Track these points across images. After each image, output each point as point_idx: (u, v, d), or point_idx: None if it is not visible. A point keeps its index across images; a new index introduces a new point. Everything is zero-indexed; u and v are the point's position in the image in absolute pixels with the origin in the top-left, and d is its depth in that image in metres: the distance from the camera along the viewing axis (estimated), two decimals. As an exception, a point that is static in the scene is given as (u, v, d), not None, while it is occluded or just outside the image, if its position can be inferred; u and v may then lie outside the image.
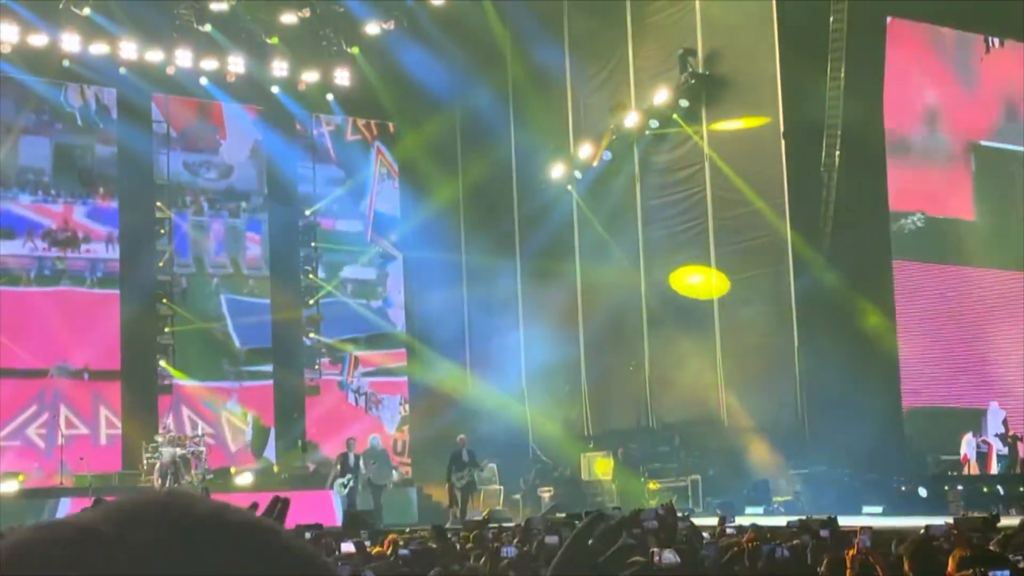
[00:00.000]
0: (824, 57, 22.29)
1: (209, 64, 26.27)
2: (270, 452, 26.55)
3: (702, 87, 24.24)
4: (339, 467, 22.27)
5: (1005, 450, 24.27)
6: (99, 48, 25.10)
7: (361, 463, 22.44)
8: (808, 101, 22.30)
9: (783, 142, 22.58)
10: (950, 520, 13.15)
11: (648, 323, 25.39)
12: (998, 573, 5.46)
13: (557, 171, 26.90)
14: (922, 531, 10.07)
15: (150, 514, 0.98)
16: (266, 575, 0.99)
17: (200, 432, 24.08)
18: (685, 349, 24.25)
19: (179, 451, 22.05)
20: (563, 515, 16.43)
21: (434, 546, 10.20)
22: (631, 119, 25.37)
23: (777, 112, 22.68)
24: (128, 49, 25.36)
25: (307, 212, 27.82)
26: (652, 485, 22.85)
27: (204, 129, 27.32)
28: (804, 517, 12.31)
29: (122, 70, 25.71)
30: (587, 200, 26.74)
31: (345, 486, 21.91)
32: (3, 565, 0.93)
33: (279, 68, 26.98)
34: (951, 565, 6.69)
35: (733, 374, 23.60)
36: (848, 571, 7.37)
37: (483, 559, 8.63)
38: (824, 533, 10.21)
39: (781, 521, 13.33)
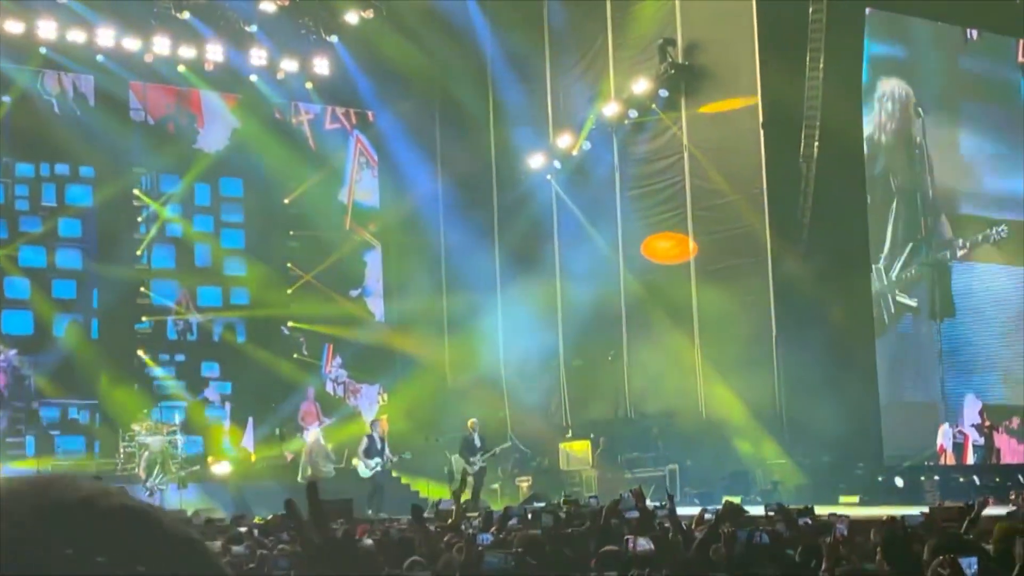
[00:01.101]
0: (803, 48, 22.35)
1: (187, 52, 26.20)
2: (248, 442, 26.54)
3: (681, 77, 24.28)
4: (366, 449, 22.25)
5: (981, 440, 24.42)
6: (76, 35, 25.01)
7: (387, 447, 22.45)
8: (787, 92, 22.35)
9: (762, 133, 22.64)
10: (926, 510, 13.25)
11: (627, 313, 25.45)
12: (967, 560, 5.52)
13: (536, 160, 26.93)
14: (885, 518, 10.15)
15: (24, 497, 0.99)
16: (138, 560, 0.99)
17: (176, 421, 24.04)
18: (664, 339, 24.31)
19: (161, 439, 22.04)
20: (542, 504, 16.49)
21: (410, 535, 10.21)
22: (610, 109, 25.41)
23: (756, 103, 22.73)
24: (105, 36, 25.28)
25: (285, 201, 27.78)
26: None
27: (182, 117, 27.24)
28: (780, 499, 12.39)
29: (99, 57, 25.63)
30: (566, 190, 26.77)
31: (371, 469, 21.97)
32: None
33: (257, 56, 26.92)
34: (926, 553, 6.75)
35: (711, 364, 23.66)
36: (824, 559, 7.43)
37: (458, 548, 8.65)
38: (802, 521, 10.28)
39: (759, 510, 13.38)
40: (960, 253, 25.15)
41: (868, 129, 24.37)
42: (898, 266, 24.54)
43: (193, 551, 1.02)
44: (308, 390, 27.25)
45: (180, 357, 26.66)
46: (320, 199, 28.18)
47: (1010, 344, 25.23)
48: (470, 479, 22.00)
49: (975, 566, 5.55)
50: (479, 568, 7.03)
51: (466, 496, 21.21)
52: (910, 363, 24.46)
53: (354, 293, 28.77)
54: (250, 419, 26.74)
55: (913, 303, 24.62)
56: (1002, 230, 25.26)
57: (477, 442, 22.31)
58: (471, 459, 22.08)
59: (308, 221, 27.97)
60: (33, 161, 25.58)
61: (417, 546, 9.53)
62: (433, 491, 24.25)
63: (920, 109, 25.08)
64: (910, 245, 24.74)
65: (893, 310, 24.41)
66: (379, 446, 22.33)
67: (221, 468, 24.14)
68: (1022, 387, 24.70)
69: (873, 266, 24.15)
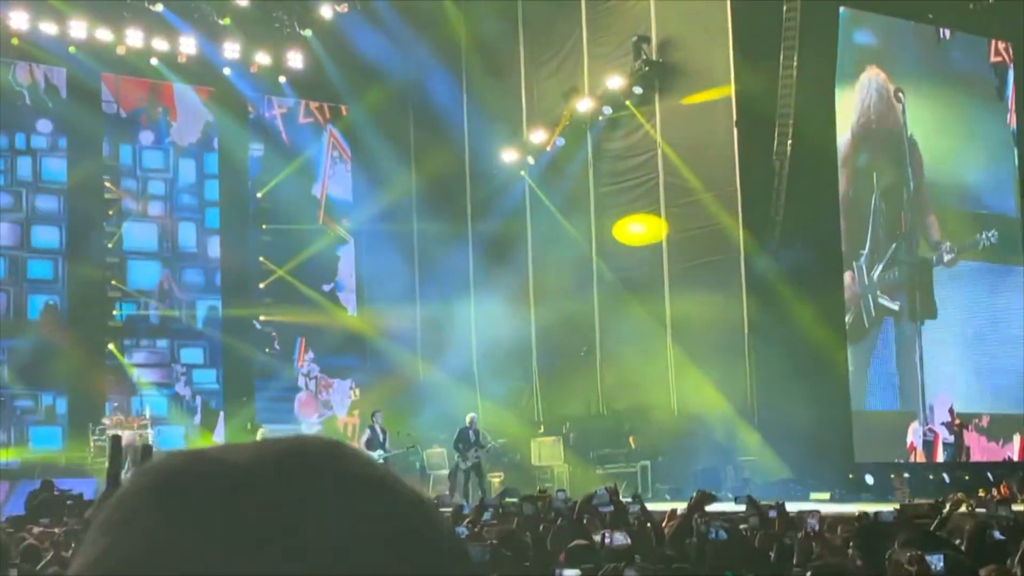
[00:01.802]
0: (777, 47, 22.43)
1: (160, 44, 26.09)
2: (219, 435, 26.46)
3: (655, 74, 24.32)
4: (367, 441, 22.23)
5: (951, 438, 24.57)
6: (48, 27, 24.88)
7: (388, 439, 22.42)
8: (761, 90, 22.42)
9: (735, 130, 22.71)
10: (896, 507, 13.34)
11: (600, 309, 25.48)
12: (933, 557, 5.59)
13: (510, 156, 26.95)
14: (857, 514, 10.22)
15: (310, 463, 0.92)
16: (421, 539, 0.92)
17: (148, 415, 23.95)
18: (637, 335, 24.36)
19: (134, 433, 21.97)
20: (514, 499, 16.49)
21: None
22: (584, 105, 25.45)
23: (730, 101, 22.78)
24: (78, 28, 25.16)
25: (258, 195, 27.70)
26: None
27: (155, 110, 27.13)
28: (752, 494, 12.41)
29: (72, 49, 25.49)
30: (540, 185, 26.79)
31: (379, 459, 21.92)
32: (160, 488, 0.88)
33: (231, 50, 26.83)
34: (895, 549, 6.81)
35: (684, 361, 23.72)
36: (796, 553, 7.47)
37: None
38: (773, 514, 10.32)
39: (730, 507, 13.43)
40: (947, 258, 25.28)
41: (853, 119, 24.50)
42: (880, 267, 24.65)
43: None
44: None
45: (151, 350, 26.54)
46: (293, 193, 28.10)
47: (983, 346, 25.41)
48: (461, 476, 21.93)
49: (941, 563, 5.62)
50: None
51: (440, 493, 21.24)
52: (886, 368, 24.55)
53: (327, 288, 28.71)
54: (221, 413, 26.66)
55: (895, 307, 24.73)
56: (992, 235, 25.43)
57: (472, 437, 22.25)
58: (467, 453, 22.01)
59: (281, 215, 27.89)
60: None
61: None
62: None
63: (901, 95, 25.18)
64: (893, 245, 24.86)
65: (873, 313, 24.53)
66: (380, 438, 22.31)
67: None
68: (990, 388, 24.89)
69: (854, 264, 24.27)
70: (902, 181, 25.16)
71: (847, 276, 24.17)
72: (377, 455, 21.84)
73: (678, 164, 23.88)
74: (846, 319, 23.96)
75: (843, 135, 24.26)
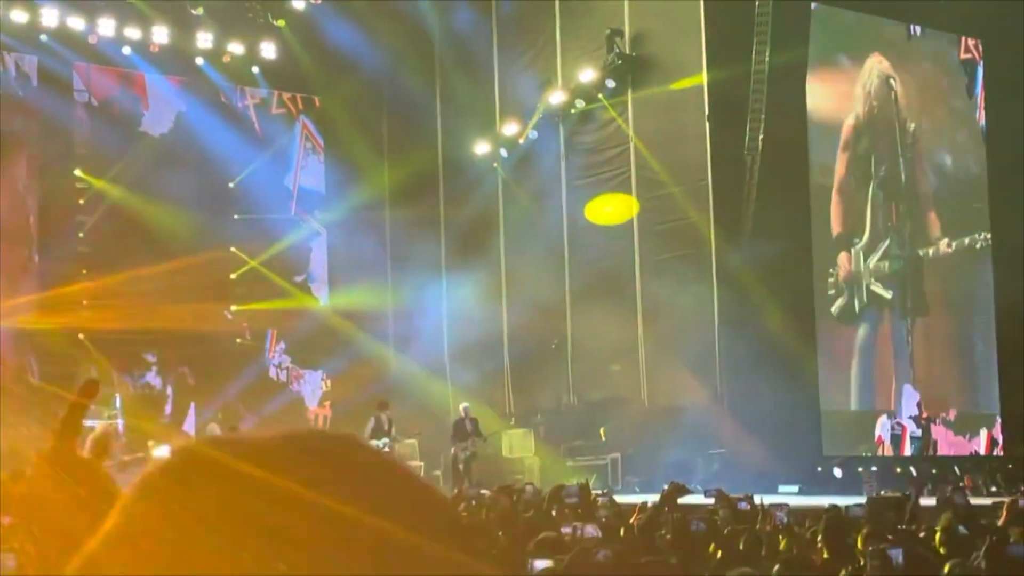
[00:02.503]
0: (750, 41, 22.51)
1: (132, 33, 25.96)
2: (189, 426, 26.39)
3: (628, 68, 24.38)
4: (373, 430, 22.23)
5: (919, 432, 24.74)
6: (19, 15, 24.73)
7: (393, 428, 22.44)
8: (733, 84, 22.50)
9: (707, 125, 22.78)
10: (863, 500, 13.43)
11: (571, 302, 25.54)
12: (893, 551, 5.68)
13: (483, 148, 26.97)
14: (827, 506, 10.30)
15: (328, 448, 0.97)
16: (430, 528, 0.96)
17: (118, 404, 23.85)
18: (608, 328, 24.41)
19: (105, 422, 21.88)
20: (485, 491, 16.52)
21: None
22: (557, 98, 25.48)
23: (702, 95, 22.85)
24: (49, 16, 25.01)
25: (230, 185, 27.61)
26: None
27: (126, 99, 27.00)
28: (721, 487, 12.50)
29: (43, 37, 25.34)
30: (513, 178, 26.82)
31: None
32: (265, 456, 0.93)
33: (204, 39, 26.72)
34: (859, 542, 6.88)
35: (654, 354, 23.81)
36: (764, 545, 7.52)
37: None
38: (742, 505, 10.40)
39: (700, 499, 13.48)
40: (945, 250, 25.49)
41: (855, 106, 24.73)
42: (875, 257, 24.84)
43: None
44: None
45: (122, 340, 26.42)
46: (265, 184, 28.02)
47: (954, 340, 25.61)
48: (460, 466, 21.90)
49: (901, 557, 5.71)
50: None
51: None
52: (863, 360, 24.70)
53: (299, 278, 28.66)
54: (192, 404, 26.59)
55: (888, 295, 24.94)
56: (987, 238, 25.66)
57: (468, 427, 22.22)
58: (462, 444, 21.98)
59: (253, 206, 27.79)
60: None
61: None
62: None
63: (892, 81, 25.32)
64: (890, 237, 25.04)
65: (866, 300, 24.72)
66: (386, 427, 22.30)
67: (162, 452, 23.98)
68: (960, 383, 25.07)
69: (851, 250, 24.49)
70: (897, 171, 25.34)
71: (842, 257, 24.38)
72: (382, 443, 21.88)
73: (650, 158, 23.95)
74: (839, 302, 24.13)
75: (847, 120, 24.51)
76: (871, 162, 25.04)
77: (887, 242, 24.97)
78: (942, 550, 7.10)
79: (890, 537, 7.29)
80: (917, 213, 25.73)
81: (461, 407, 22.76)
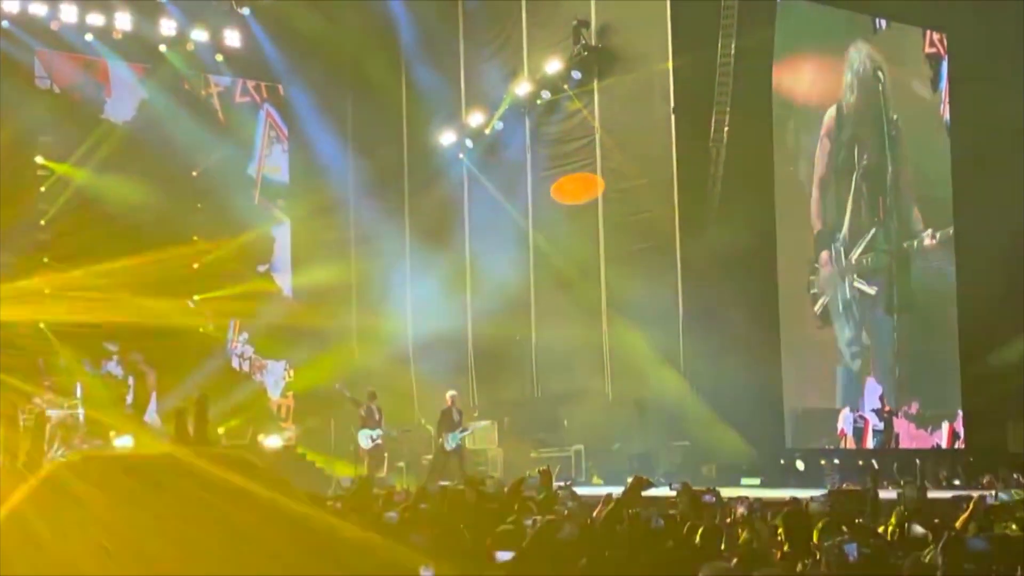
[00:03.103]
0: (716, 34, 22.55)
1: (95, 20, 25.77)
2: (151, 416, 26.23)
3: (594, 59, 24.38)
4: (363, 420, 22.13)
5: (881, 425, 24.90)
6: (-20, 1, 24.54)
7: (383, 419, 22.35)
8: (699, 76, 22.55)
9: (673, 117, 22.80)
10: (825, 492, 13.52)
11: (536, 294, 25.55)
12: (848, 547, 5.74)
13: (448, 138, 26.93)
14: (788, 499, 10.35)
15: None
16: None
17: (78, 394, 23.71)
18: (572, 320, 24.45)
19: (63, 412, 21.76)
20: (448, 483, 16.51)
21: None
22: (523, 88, 25.47)
23: (668, 86, 22.88)
24: (11, 2, 24.81)
25: (193, 174, 27.45)
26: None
27: (89, 86, 26.81)
28: (686, 480, 12.56)
29: (4, 23, 25.13)
30: (479, 169, 26.79)
31: (373, 441, 21.88)
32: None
33: (167, 27, 26.55)
34: (815, 535, 6.94)
35: (618, 347, 23.85)
36: (724, 538, 7.56)
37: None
38: (707, 498, 10.45)
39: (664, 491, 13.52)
40: (928, 242, 25.64)
41: (842, 94, 24.86)
42: (857, 251, 24.96)
43: None
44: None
45: (83, 330, 26.24)
46: (229, 172, 27.88)
47: (918, 334, 25.78)
48: (445, 457, 21.78)
49: (855, 552, 5.78)
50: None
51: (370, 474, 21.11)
52: (832, 354, 24.84)
53: (262, 268, 28.53)
54: (153, 393, 26.44)
55: (872, 291, 25.09)
56: (950, 232, 25.83)
57: (456, 416, 22.11)
58: (450, 435, 21.87)
59: (216, 194, 27.64)
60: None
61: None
62: (339, 468, 24.22)
63: (880, 73, 25.43)
64: (872, 230, 25.16)
65: (848, 295, 24.86)
66: (376, 417, 22.22)
67: (123, 442, 23.84)
68: (922, 376, 25.23)
69: (832, 247, 24.61)
70: (884, 161, 25.47)
71: (824, 255, 24.52)
72: (375, 434, 21.81)
73: (615, 150, 23.97)
74: (822, 301, 24.24)
75: (828, 110, 24.63)
76: (855, 152, 25.14)
77: (871, 234, 25.09)
78: (895, 544, 7.16)
79: (845, 530, 7.35)
80: (903, 205, 25.87)
81: (448, 395, 22.59)
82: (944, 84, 26.77)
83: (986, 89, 25.62)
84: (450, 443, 21.82)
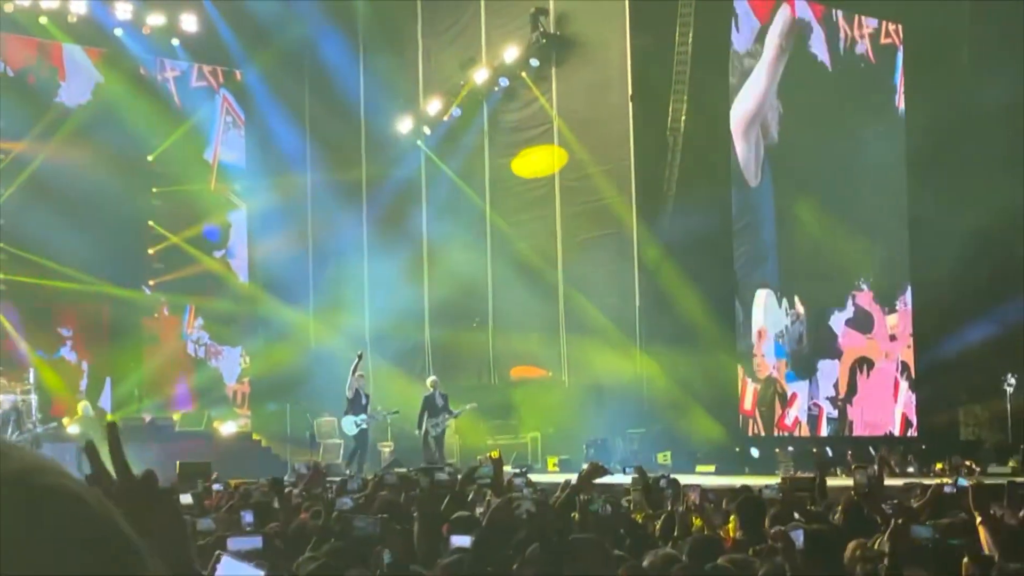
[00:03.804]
0: (674, 21, 22.58)
1: (50, 3, 25.53)
2: (105, 402, 26.11)
3: (552, 47, 24.37)
4: (349, 404, 21.97)
5: (835, 413, 25.05)
6: (-67, -19, 24.25)
7: (369, 404, 22.19)
8: (657, 65, 22.59)
9: (630, 105, 22.83)
10: (778, 480, 13.56)
11: (493, 280, 25.54)
12: (794, 532, 5.78)
13: (406, 125, 26.86)
14: (740, 486, 10.39)
15: None
16: (63, 541, 0.98)
17: (32, 379, 23.52)
18: (529, 308, 24.46)
19: (15, 397, 21.57)
20: (403, 470, 16.49)
21: (269, 501, 10.15)
22: (481, 75, 25.42)
23: (625, 75, 22.89)
24: (-37, -16, 24.57)
25: (148, 158, 27.27)
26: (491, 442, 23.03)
27: (43, 69, 26.56)
28: (639, 464, 12.57)
29: (-43, 6, 24.88)
30: (436, 156, 26.74)
31: (357, 426, 21.72)
32: None
33: (123, 10, 26.32)
34: (766, 522, 6.97)
35: (575, 334, 23.88)
36: (676, 526, 7.57)
37: (315, 511, 8.64)
38: (663, 483, 10.47)
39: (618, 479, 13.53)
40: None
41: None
42: None
43: (119, 538, 1.01)
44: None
45: (37, 314, 26.04)
46: (185, 158, 27.70)
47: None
48: (432, 442, 21.65)
49: (802, 538, 5.83)
50: (334, 532, 7.02)
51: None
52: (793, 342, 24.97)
53: (218, 254, 28.39)
54: (108, 379, 26.30)
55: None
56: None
57: (439, 401, 21.97)
58: (433, 420, 21.72)
59: (172, 179, 27.48)
60: None
61: (275, 509, 9.49)
62: (296, 454, 24.16)
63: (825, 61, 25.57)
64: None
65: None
66: (363, 402, 22.05)
67: (76, 428, 23.69)
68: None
69: None
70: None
71: None
72: (360, 420, 21.64)
73: (572, 138, 23.98)
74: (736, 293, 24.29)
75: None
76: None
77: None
78: (844, 530, 7.19)
79: (797, 516, 7.38)
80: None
81: (429, 381, 22.40)
82: (899, 75, 26.92)
83: (940, 79, 25.80)
84: (440, 426, 21.69)
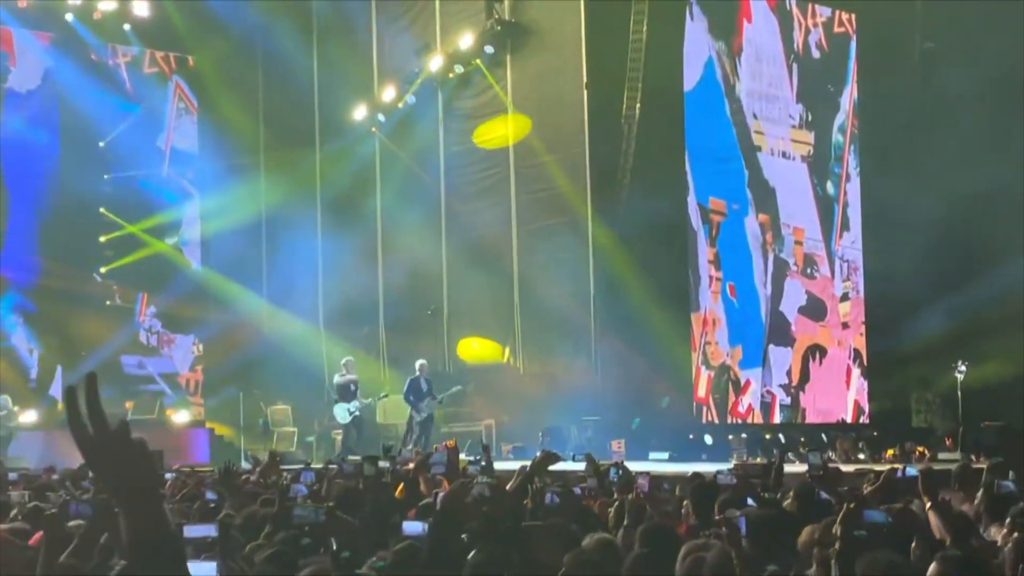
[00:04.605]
0: (629, 9, 22.59)
1: (-1, -12, 25.32)
2: (56, 390, 25.92)
3: (507, 34, 24.33)
4: (340, 390, 21.87)
5: (788, 400, 25.19)
6: None
7: (359, 389, 22.11)
8: (611, 52, 22.58)
9: (585, 93, 22.83)
10: (731, 466, 13.65)
11: (448, 268, 25.52)
12: (739, 519, 5.87)
13: (360, 112, 26.78)
14: (692, 473, 10.45)
15: None
16: None
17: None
18: (484, 295, 24.47)
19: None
20: (357, 457, 16.45)
21: (221, 488, 10.13)
22: (436, 63, 25.35)
23: (580, 63, 22.89)
24: (-89, -33, 24.30)
25: (100, 144, 27.07)
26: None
27: (-7, 54, 26.32)
28: (589, 452, 12.61)
29: (-96, -10, 24.61)
30: (391, 142, 26.67)
31: (351, 413, 21.62)
32: None
33: (74, -5, 26.15)
34: (716, 510, 7.02)
35: (530, 322, 23.90)
36: (626, 514, 7.60)
37: (264, 500, 8.61)
38: (613, 473, 10.49)
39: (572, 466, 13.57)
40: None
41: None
42: None
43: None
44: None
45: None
46: (137, 144, 27.52)
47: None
48: (416, 428, 21.56)
49: (743, 523, 5.91)
50: (288, 521, 7.01)
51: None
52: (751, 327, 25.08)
53: (171, 241, 28.22)
54: (59, 367, 26.11)
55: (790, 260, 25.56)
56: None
57: (424, 386, 21.87)
58: (419, 404, 21.62)
59: (124, 166, 27.28)
60: None
61: (228, 498, 9.46)
62: (250, 443, 24.13)
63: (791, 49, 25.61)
64: None
65: (772, 266, 25.22)
66: (352, 388, 21.95)
67: (28, 417, 23.51)
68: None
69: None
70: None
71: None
72: (353, 407, 21.56)
73: (528, 125, 23.96)
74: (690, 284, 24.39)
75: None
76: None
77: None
78: (795, 515, 7.24)
79: (751, 503, 7.42)
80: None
81: (417, 364, 22.33)
82: (852, 64, 27.05)
83: (894, 67, 25.96)
84: (424, 411, 21.63)
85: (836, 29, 26.95)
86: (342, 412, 21.97)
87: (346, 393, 22.07)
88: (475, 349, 25.19)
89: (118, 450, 2.12)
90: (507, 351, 24.28)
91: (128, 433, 2.17)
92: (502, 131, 24.52)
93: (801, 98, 26.20)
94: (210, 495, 9.50)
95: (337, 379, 22.55)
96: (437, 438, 21.00)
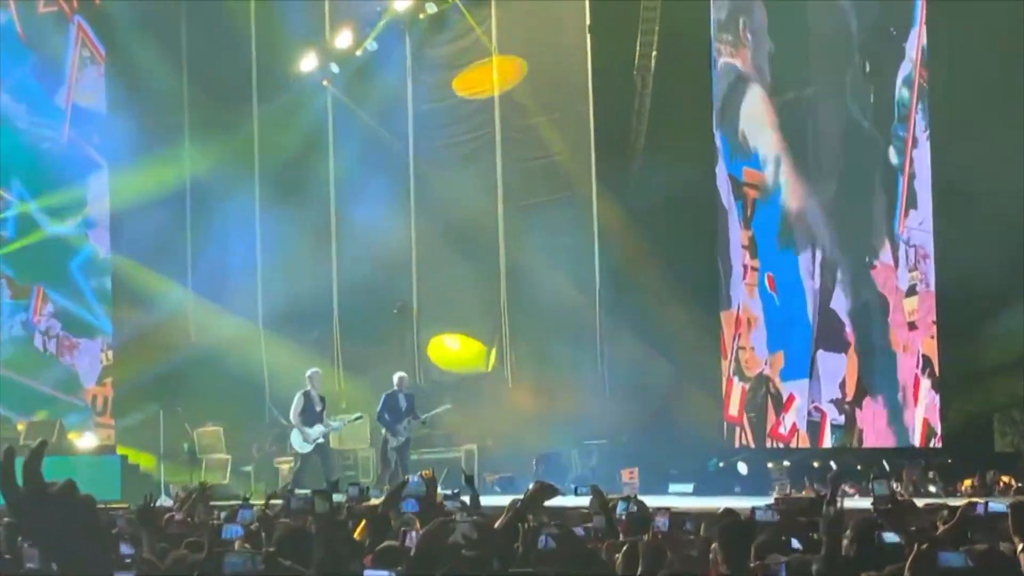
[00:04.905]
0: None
1: None
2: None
3: (492, -37, 24.42)
4: (302, 412, 21.79)
5: (841, 419, 25.20)
6: None
7: (326, 410, 22.05)
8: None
9: (589, 38, 22.85)
10: (770, 500, 13.67)
11: (418, 255, 25.56)
12: (778, 559, 5.90)
13: (309, 62, 26.79)
14: (723, 509, 10.46)
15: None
16: None
17: None
18: (463, 288, 24.52)
19: None
20: (306, 491, 16.44)
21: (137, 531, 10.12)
22: (402, 1, 25.38)
23: (583, 2, 22.92)
24: None
25: (-16, 103, 27.08)
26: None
27: None
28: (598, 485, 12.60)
29: None
30: (348, 98, 26.72)
31: (312, 441, 21.45)
32: None
33: (-49, -82, 26.16)
34: (752, 554, 7.04)
35: (520, 324, 23.94)
36: (641, 560, 7.61)
37: (189, 543, 8.62)
38: (621, 509, 10.49)
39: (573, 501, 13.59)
40: None
41: None
42: None
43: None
44: None
45: None
46: (30, 101, 27.50)
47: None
48: (393, 454, 21.42)
49: (783, 571, 5.92)
50: (217, 569, 7.00)
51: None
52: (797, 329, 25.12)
53: (73, 222, 28.17)
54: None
55: None
56: None
57: (403, 403, 21.75)
58: (396, 426, 21.45)
59: (13, 127, 27.23)
60: None
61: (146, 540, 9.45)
62: (172, 473, 24.15)
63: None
64: None
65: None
66: (319, 408, 21.74)
67: None
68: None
69: None
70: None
71: None
72: (318, 432, 21.37)
73: (517, 78, 24.03)
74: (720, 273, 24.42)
75: None
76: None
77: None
78: (852, 560, 7.24)
79: (796, 546, 7.44)
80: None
81: (395, 377, 22.23)
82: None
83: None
84: (401, 434, 21.47)
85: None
86: (298, 439, 21.79)
87: (310, 415, 21.84)
88: (452, 351, 25.26)
89: (58, 512, 2.17)
90: (492, 356, 24.35)
91: (74, 491, 2.23)
92: (487, 81, 24.55)
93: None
94: (124, 548, 9.46)
95: (298, 399, 22.23)
96: (408, 467, 21.02)
